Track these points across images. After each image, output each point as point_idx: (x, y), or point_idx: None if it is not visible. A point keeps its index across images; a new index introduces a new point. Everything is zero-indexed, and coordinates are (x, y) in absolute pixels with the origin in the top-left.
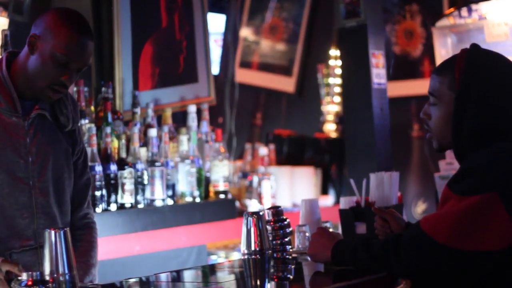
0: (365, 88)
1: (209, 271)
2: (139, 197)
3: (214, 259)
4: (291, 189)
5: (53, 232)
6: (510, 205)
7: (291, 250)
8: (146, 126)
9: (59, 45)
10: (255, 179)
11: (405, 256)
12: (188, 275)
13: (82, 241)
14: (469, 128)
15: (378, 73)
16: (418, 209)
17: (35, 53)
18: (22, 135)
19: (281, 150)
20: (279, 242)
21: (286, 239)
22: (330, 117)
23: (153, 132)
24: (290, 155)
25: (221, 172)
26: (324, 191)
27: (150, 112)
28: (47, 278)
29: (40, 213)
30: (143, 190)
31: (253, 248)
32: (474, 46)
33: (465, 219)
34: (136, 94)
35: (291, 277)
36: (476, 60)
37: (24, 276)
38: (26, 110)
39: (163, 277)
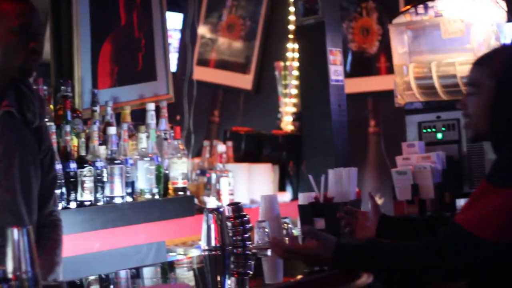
0: (323, 84)
1: (168, 267)
2: (99, 195)
3: (173, 255)
4: (249, 185)
5: (15, 230)
6: None
7: (251, 245)
8: (105, 124)
9: (10, 19)
10: (213, 176)
11: (454, 260)
12: (147, 272)
13: (48, 238)
14: (508, 117)
15: (336, 70)
16: None
17: None
18: None
19: (239, 147)
20: (239, 238)
21: (246, 235)
22: (287, 114)
23: (112, 130)
24: (248, 152)
25: (180, 169)
26: (282, 188)
27: (109, 110)
28: (10, 276)
29: (6, 212)
30: (103, 188)
31: (213, 244)
32: None
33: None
34: (95, 92)
35: (251, 272)
36: None
37: None
38: None
39: (123, 274)
